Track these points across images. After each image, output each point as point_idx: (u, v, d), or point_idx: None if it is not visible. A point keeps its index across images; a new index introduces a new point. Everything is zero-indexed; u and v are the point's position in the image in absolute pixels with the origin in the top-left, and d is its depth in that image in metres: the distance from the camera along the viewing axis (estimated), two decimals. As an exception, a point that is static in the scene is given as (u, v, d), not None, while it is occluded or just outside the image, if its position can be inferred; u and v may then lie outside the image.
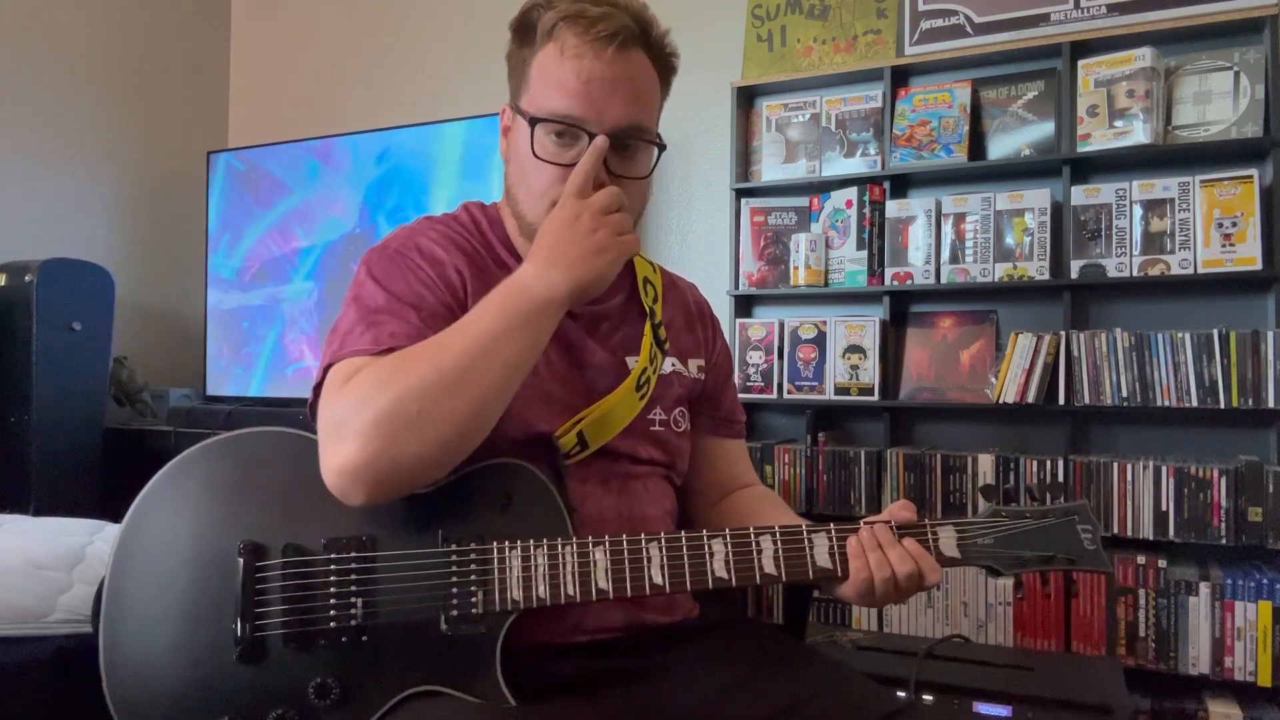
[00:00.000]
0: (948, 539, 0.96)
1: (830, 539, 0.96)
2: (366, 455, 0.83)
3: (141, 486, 0.99)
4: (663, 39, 1.04)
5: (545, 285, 0.91)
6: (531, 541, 0.92)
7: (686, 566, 0.93)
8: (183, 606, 0.94)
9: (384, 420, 0.83)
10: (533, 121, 0.98)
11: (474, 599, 0.90)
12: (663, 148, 1.05)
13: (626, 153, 1.00)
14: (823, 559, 0.96)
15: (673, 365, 1.15)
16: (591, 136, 0.97)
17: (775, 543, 0.95)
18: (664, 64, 1.05)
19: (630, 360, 1.08)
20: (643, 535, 0.93)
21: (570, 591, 0.91)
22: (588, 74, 0.96)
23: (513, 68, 1.05)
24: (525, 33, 1.02)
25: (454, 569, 0.91)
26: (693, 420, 1.19)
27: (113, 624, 0.95)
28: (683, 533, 0.93)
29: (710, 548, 0.94)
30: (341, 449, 0.84)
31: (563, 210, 0.93)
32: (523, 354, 0.89)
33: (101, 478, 2.90)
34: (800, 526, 0.97)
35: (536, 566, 0.91)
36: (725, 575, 0.93)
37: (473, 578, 0.91)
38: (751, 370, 2.62)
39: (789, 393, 2.60)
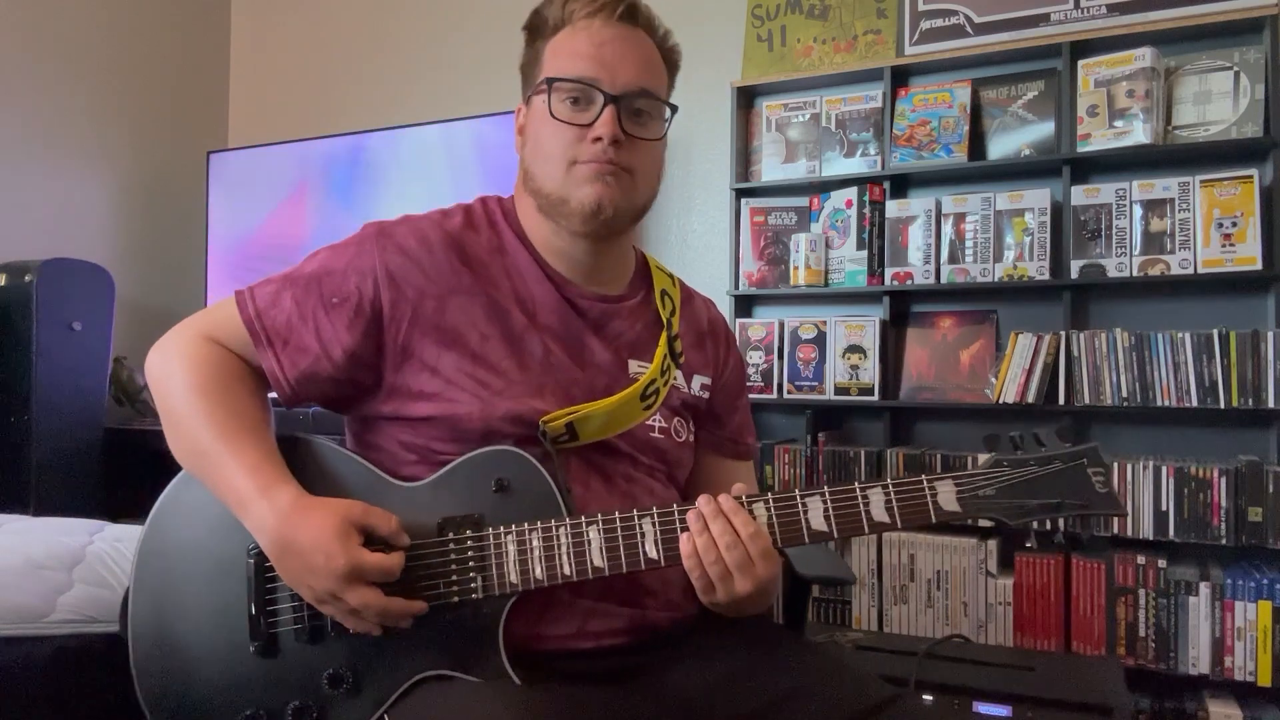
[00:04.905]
0: (946, 493, 0.94)
1: (825, 502, 0.93)
2: (150, 380, 1.08)
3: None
4: (667, 33, 1.10)
5: (258, 516, 0.93)
6: (526, 525, 0.94)
7: (681, 539, 0.93)
8: (203, 607, 0.99)
9: (159, 398, 1.07)
10: (549, 81, 1.03)
11: (473, 584, 0.94)
12: (674, 109, 1.09)
13: (639, 119, 1.04)
14: (818, 522, 0.93)
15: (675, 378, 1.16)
16: (606, 97, 1.01)
17: (769, 509, 0.94)
18: (668, 54, 1.10)
19: (634, 364, 1.09)
20: (635, 510, 0.94)
21: (567, 571, 0.93)
22: (599, 38, 1.03)
23: (527, 63, 1.10)
24: (537, 28, 1.08)
25: (452, 556, 0.94)
26: (697, 435, 1.18)
27: (139, 627, 1.00)
28: (674, 505, 0.95)
29: None
30: (161, 360, 1.07)
31: (334, 560, 0.89)
32: (195, 472, 1.02)
33: (101, 478, 2.90)
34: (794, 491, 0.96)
35: (532, 549, 0.94)
36: None
37: (470, 564, 0.94)
38: (751, 370, 2.62)
39: (789, 393, 2.60)
